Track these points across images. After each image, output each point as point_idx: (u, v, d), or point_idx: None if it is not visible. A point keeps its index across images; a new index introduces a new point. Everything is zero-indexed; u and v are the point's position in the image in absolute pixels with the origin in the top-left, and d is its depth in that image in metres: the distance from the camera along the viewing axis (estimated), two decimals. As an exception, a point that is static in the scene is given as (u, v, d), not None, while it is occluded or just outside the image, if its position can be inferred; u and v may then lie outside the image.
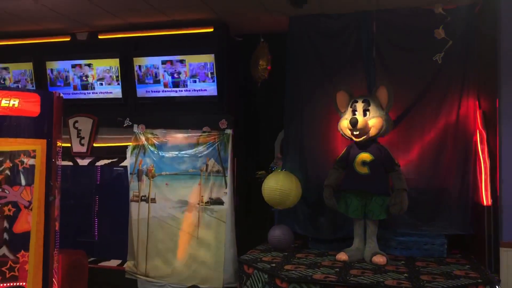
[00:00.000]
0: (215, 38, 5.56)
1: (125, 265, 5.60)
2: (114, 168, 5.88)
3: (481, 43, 4.86)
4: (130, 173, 5.63)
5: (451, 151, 4.92)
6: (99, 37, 5.95)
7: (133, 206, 5.58)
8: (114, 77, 5.83)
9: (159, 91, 5.67)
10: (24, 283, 3.90)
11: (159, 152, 5.55)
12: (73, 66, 5.93)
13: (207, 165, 5.38)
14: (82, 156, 5.89)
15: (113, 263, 5.71)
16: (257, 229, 5.70)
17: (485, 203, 4.48)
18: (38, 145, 3.97)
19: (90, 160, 5.89)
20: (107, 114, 5.83)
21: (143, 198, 5.56)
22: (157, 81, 5.65)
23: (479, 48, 4.88)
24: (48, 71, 6.04)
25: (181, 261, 5.35)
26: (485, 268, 4.34)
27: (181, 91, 5.58)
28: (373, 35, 5.14)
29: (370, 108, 4.64)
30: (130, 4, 5.10)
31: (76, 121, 5.90)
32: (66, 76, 5.99)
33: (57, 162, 4.13)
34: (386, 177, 4.63)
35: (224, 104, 5.57)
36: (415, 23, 5.02)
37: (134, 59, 5.67)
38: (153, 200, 5.52)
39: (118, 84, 5.83)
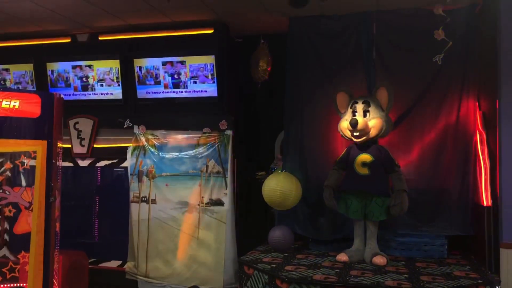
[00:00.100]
0: (215, 39, 5.56)
1: (125, 266, 5.60)
2: (115, 169, 5.88)
3: (481, 44, 4.86)
4: (131, 174, 5.64)
5: (451, 152, 4.92)
6: (100, 38, 5.96)
7: (134, 207, 5.58)
8: (115, 78, 5.83)
9: (159, 92, 5.68)
10: (24, 284, 3.91)
11: (160, 153, 5.55)
12: (74, 67, 5.93)
13: (207, 166, 5.39)
14: (83, 157, 5.90)
15: (114, 264, 5.71)
16: (257, 230, 5.70)
17: (485, 203, 4.48)
18: (38, 146, 3.98)
19: (90, 161, 5.90)
20: (107, 115, 5.84)
21: (143, 199, 5.56)
22: (157, 82, 5.65)
23: (479, 49, 4.88)
24: (49, 72, 6.05)
25: (181, 262, 5.35)
26: (485, 268, 4.34)
27: (182, 92, 5.59)
28: (373, 36, 5.15)
29: (370, 109, 4.64)
30: (131, 5, 5.11)
31: (77, 122, 5.91)
32: (67, 77, 6.00)
33: (57, 163, 4.13)
34: (386, 178, 4.63)
35: (224, 105, 5.57)
36: (415, 24, 5.02)
37: (135, 60, 5.68)
38: (154, 201, 5.52)
39: (119, 85, 5.84)
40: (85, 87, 5.96)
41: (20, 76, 6.21)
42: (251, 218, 5.95)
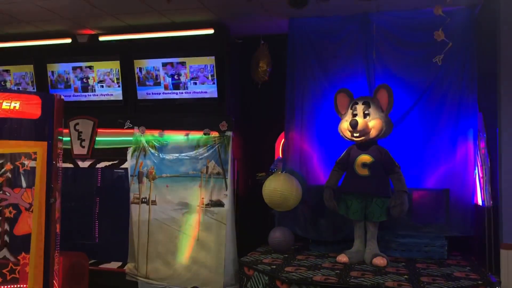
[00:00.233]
0: (216, 40, 5.57)
1: (125, 267, 5.59)
2: (115, 170, 5.87)
3: (481, 44, 4.86)
4: (131, 175, 5.64)
5: (451, 152, 4.92)
6: (100, 39, 5.96)
7: (134, 208, 5.58)
8: (115, 79, 5.84)
9: (159, 93, 5.68)
10: (24, 285, 3.91)
11: (160, 154, 5.55)
12: (74, 68, 5.94)
13: (207, 167, 5.39)
14: (83, 158, 5.90)
15: (114, 265, 5.71)
16: (258, 231, 5.69)
17: (485, 204, 4.48)
18: (39, 147, 3.99)
19: (90, 162, 5.90)
20: (107, 116, 5.84)
21: (143, 200, 5.56)
22: (157, 83, 5.66)
23: (479, 49, 4.89)
24: (49, 73, 6.05)
25: (181, 263, 5.35)
26: (485, 269, 4.34)
27: (182, 93, 5.60)
28: (373, 37, 5.15)
29: (370, 109, 4.64)
30: (131, 6, 5.11)
31: (77, 123, 5.90)
32: (67, 78, 6.00)
33: (57, 164, 4.14)
34: (386, 179, 4.63)
35: (225, 106, 5.57)
36: (415, 25, 5.03)
37: (135, 61, 5.68)
38: (154, 202, 5.52)
39: (119, 86, 5.85)
40: (86, 88, 5.97)
41: (20, 77, 6.22)
42: (251, 219, 5.94)
